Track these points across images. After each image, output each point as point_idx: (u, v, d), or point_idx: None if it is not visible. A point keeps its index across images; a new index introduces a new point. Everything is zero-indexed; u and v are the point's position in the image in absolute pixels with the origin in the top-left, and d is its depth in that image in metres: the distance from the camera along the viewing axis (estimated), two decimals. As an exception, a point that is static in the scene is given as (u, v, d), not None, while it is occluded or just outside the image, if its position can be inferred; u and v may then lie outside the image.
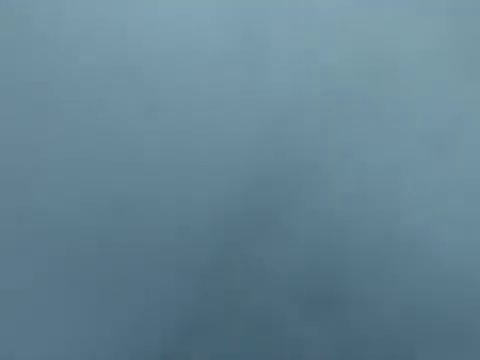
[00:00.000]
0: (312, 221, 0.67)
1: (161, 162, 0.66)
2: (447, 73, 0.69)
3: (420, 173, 0.68)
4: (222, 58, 0.67)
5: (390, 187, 0.67)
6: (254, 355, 0.66)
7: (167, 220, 0.66)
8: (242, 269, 0.66)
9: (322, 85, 0.67)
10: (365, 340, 0.67)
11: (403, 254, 0.67)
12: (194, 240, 0.66)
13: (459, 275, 0.67)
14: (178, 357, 0.65)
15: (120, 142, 0.66)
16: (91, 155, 0.66)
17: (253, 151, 0.67)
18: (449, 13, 0.69)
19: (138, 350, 0.65)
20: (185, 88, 0.67)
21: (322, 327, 0.66)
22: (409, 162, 0.68)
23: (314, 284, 0.67)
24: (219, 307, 0.66)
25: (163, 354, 0.65)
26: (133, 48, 0.66)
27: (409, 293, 0.67)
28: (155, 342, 0.65)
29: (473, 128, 0.68)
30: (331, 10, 0.68)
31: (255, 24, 0.68)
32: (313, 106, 0.67)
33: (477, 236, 0.67)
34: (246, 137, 0.67)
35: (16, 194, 0.65)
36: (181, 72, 0.67)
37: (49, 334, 0.65)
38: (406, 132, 0.68)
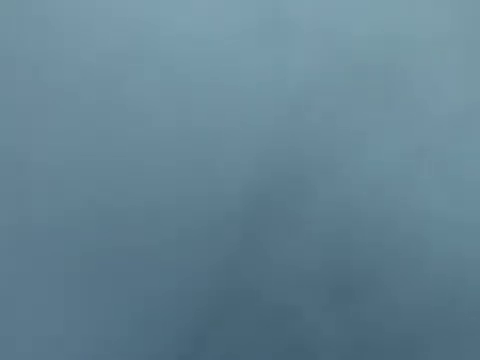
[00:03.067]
0: (327, 211, 0.66)
1: (175, 150, 0.65)
2: (463, 57, 0.68)
3: (437, 158, 0.67)
4: (240, 41, 0.66)
5: (406, 173, 0.66)
6: (269, 347, 0.66)
7: (183, 213, 0.65)
8: (258, 261, 0.66)
9: (338, 70, 0.66)
10: (380, 330, 0.66)
11: (420, 243, 0.66)
12: (210, 233, 0.65)
13: (478, 264, 0.67)
14: (194, 350, 0.65)
15: (136, 120, 0.65)
16: (103, 145, 0.65)
17: (268, 139, 0.66)
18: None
19: (154, 343, 0.65)
20: (200, 73, 0.66)
21: (337, 318, 0.66)
22: (425, 147, 0.67)
23: (329, 275, 0.66)
24: (235, 299, 0.66)
25: (179, 347, 0.65)
26: (149, 30, 0.65)
27: (424, 283, 0.67)
28: (171, 334, 0.65)
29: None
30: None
31: (272, 6, 0.66)
32: (329, 91, 0.66)
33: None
34: (261, 125, 0.66)
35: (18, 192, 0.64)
36: (196, 56, 0.66)
37: (59, 330, 0.64)
38: (422, 117, 0.67)
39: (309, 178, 0.66)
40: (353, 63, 0.67)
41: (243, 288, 0.66)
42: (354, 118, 0.67)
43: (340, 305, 0.66)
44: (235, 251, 0.66)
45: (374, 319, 0.66)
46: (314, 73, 0.66)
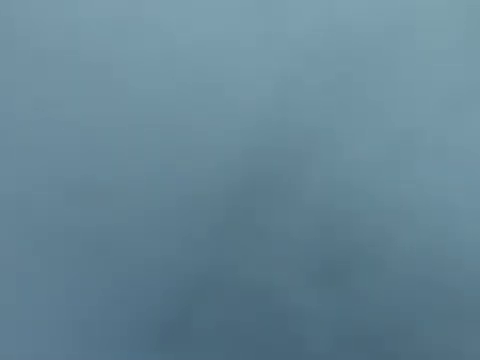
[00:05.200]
0: (321, 188, 0.66)
1: (168, 122, 0.65)
2: (464, 37, 0.67)
3: (436, 138, 0.66)
4: (238, 12, 0.66)
5: (406, 153, 0.66)
6: (255, 323, 0.65)
7: (169, 186, 0.65)
8: (245, 236, 0.66)
9: (338, 46, 0.66)
10: (366, 308, 0.66)
11: (415, 221, 0.66)
12: (196, 206, 0.65)
13: (473, 245, 0.66)
14: (178, 324, 0.65)
15: (130, 98, 0.65)
16: (97, 119, 0.65)
17: (263, 111, 0.66)
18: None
19: (139, 317, 0.64)
20: (199, 43, 0.66)
21: (323, 295, 0.65)
22: (426, 127, 0.66)
23: (317, 252, 0.66)
24: (221, 274, 0.65)
25: (163, 321, 0.65)
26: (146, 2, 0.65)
27: (415, 262, 0.66)
28: (156, 309, 0.65)
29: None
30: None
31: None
32: (328, 68, 0.66)
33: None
34: (258, 96, 0.66)
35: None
36: (194, 27, 0.66)
37: (50, 301, 0.64)
38: (423, 97, 0.66)
39: (305, 152, 0.66)
40: (353, 39, 0.67)
41: (228, 262, 0.65)
42: (354, 96, 0.66)
43: (327, 281, 0.66)
44: (220, 225, 0.65)
45: (361, 295, 0.66)
46: (312, 44, 0.66)
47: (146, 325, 0.65)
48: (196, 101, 0.66)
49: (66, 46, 0.65)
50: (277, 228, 0.66)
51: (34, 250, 0.64)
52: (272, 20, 0.66)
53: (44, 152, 0.65)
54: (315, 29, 0.66)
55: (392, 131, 0.66)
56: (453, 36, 0.67)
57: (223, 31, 0.66)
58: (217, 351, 0.65)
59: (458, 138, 0.67)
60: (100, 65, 0.65)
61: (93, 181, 0.65)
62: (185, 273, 0.65)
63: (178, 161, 0.65)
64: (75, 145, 0.65)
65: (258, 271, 0.66)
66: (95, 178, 0.65)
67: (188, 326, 0.65)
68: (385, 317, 0.66)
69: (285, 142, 0.66)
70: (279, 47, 0.66)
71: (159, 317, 0.65)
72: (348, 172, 0.66)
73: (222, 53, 0.66)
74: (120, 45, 0.65)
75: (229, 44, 0.66)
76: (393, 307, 0.66)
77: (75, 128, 0.65)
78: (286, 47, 0.66)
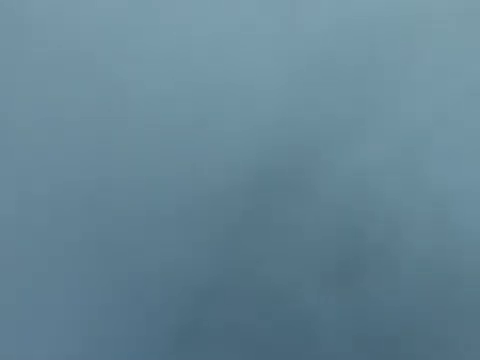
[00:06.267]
0: (338, 188, 0.65)
1: (183, 121, 0.64)
2: None
3: (453, 130, 0.65)
4: (252, 7, 0.65)
5: (423, 153, 0.65)
6: (269, 323, 0.64)
7: (183, 184, 0.64)
8: (259, 235, 0.65)
9: (353, 36, 0.65)
10: (382, 309, 0.65)
11: (429, 219, 0.65)
12: (211, 206, 0.64)
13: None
14: (193, 325, 0.64)
15: (139, 81, 0.64)
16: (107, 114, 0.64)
17: (279, 109, 0.65)
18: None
19: (153, 318, 0.63)
20: (210, 37, 0.64)
21: (338, 295, 0.65)
22: (442, 118, 0.65)
23: (332, 251, 0.65)
24: (235, 274, 0.64)
25: (178, 321, 0.64)
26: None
27: (431, 262, 0.65)
28: (170, 309, 0.64)
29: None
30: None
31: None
32: (344, 58, 0.65)
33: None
34: (273, 93, 0.65)
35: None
36: (209, 22, 0.65)
37: (60, 302, 0.63)
38: (439, 87, 0.65)
39: (319, 147, 0.65)
40: (368, 30, 0.66)
41: (243, 262, 0.64)
42: (369, 86, 0.65)
43: (342, 281, 0.65)
44: (235, 224, 0.64)
45: (376, 297, 0.65)
46: (327, 38, 0.65)
47: (161, 326, 0.64)
48: (211, 99, 0.65)
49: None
50: (292, 228, 0.65)
51: (43, 252, 0.63)
52: (285, 16, 0.65)
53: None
54: (329, 24, 0.65)
55: (409, 129, 0.65)
56: (473, 27, 0.66)
57: (238, 27, 0.65)
58: (231, 351, 0.64)
59: (474, 128, 0.66)
60: (116, 60, 0.64)
61: (104, 181, 0.64)
62: (200, 272, 0.64)
63: (194, 159, 0.64)
64: (89, 143, 0.64)
65: (273, 271, 0.65)
66: (105, 178, 0.64)
67: (202, 325, 0.64)
68: (401, 317, 0.65)
69: (301, 141, 0.65)
70: (295, 44, 0.65)
71: (173, 317, 0.64)
72: (365, 172, 0.65)
73: (236, 50, 0.65)
74: (130, 41, 0.64)
75: (243, 40, 0.65)
76: (409, 307, 0.65)
77: (87, 126, 0.64)
78: (301, 44, 0.65)
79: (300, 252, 0.65)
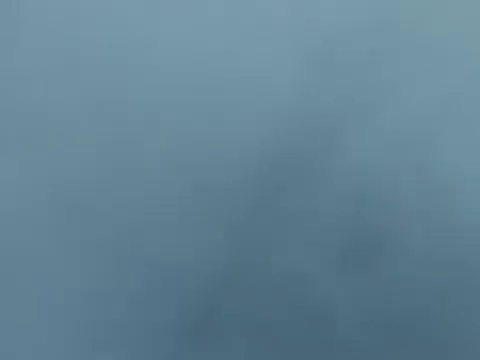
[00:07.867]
0: (352, 172, 0.64)
1: (200, 108, 0.64)
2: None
3: (468, 110, 0.65)
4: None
5: (438, 136, 0.64)
6: (285, 307, 0.63)
7: (199, 170, 0.64)
8: (275, 220, 0.64)
9: (370, 16, 0.65)
10: (397, 293, 0.63)
11: (447, 204, 0.64)
12: (227, 192, 0.64)
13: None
14: (209, 310, 0.63)
15: (151, 69, 0.64)
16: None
17: (294, 95, 0.64)
18: None
19: (170, 303, 0.62)
20: (229, 13, 0.64)
21: (354, 279, 0.63)
22: (458, 99, 0.65)
23: (347, 237, 0.64)
24: (251, 259, 0.63)
25: (194, 307, 0.63)
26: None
27: (447, 246, 0.64)
28: (187, 295, 0.63)
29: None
30: None
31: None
32: (359, 42, 0.65)
33: None
34: (289, 79, 0.64)
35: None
36: (223, 14, 0.65)
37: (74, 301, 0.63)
38: (454, 68, 0.65)
39: (337, 134, 0.64)
40: (386, 10, 0.65)
41: (258, 248, 0.63)
42: (386, 68, 0.65)
43: (357, 266, 0.63)
44: (251, 211, 0.64)
45: (391, 282, 0.63)
46: (342, 24, 0.65)
47: (178, 313, 0.63)
48: (228, 86, 0.64)
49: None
50: (307, 213, 0.64)
51: (52, 250, 0.63)
52: (299, 6, 0.65)
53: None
54: (343, 8, 0.65)
55: (424, 113, 0.65)
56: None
57: (251, 15, 0.65)
58: (247, 336, 0.63)
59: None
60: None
61: (118, 172, 0.64)
62: (216, 258, 0.63)
63: (210, 145, 0.64)
64: (103, 126, 0.64)
65: (288, 256, 0.64)
66: (120, 169, 0.64)
67: (218, 310, 0.63)
68: (417, 301, 0.64)
69: (316, 126, 0.64)
70: (309, 28, 0.65)
71: (192, 302, 0.63)
72: (379, 156, 0.64)
73: (251, 37, 0.65)
74: (146, 31, 0.65)
75: (257, 27, 0.65)
76: (424, 290, 0.64)
77: (102, 111, 0.64)
78: (316, 28, 0.65)
79: (316, 236, 0.64)
